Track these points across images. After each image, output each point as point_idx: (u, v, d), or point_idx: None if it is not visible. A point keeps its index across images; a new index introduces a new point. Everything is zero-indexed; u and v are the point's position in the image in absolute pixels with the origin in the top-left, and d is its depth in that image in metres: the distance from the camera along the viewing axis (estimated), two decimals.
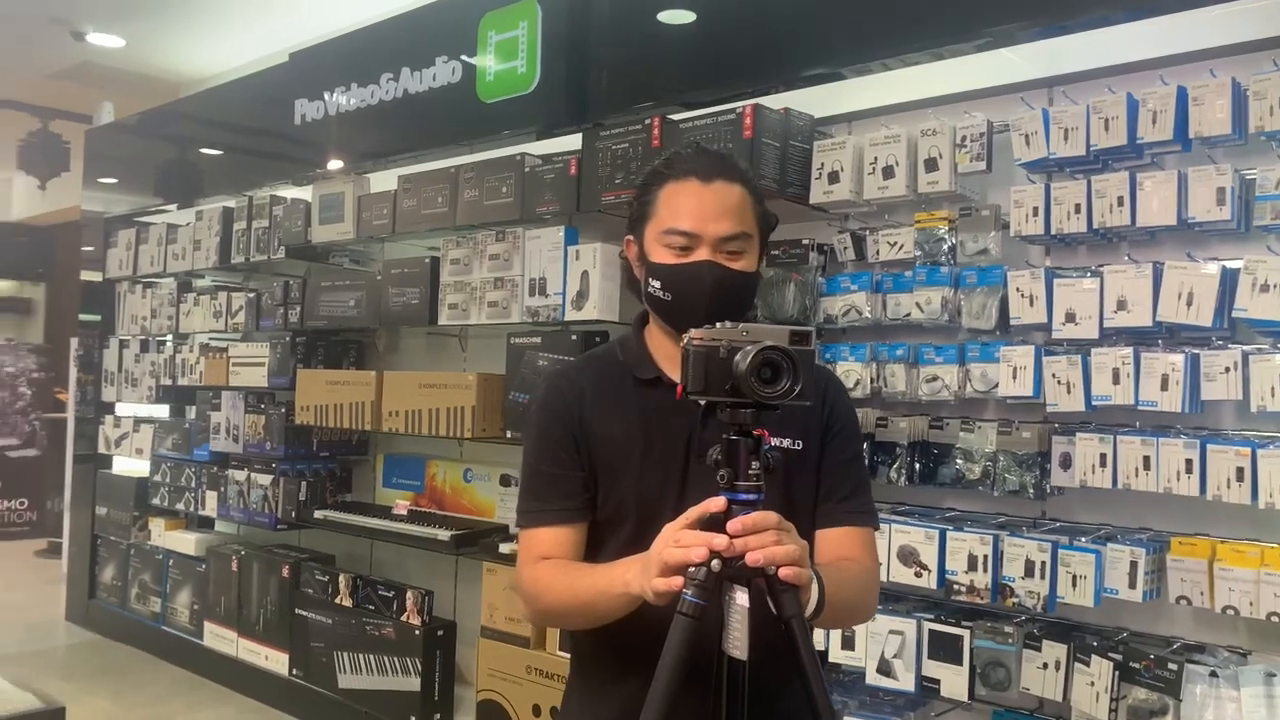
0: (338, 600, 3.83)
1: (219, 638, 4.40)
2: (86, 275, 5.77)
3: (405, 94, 3.74)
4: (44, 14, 5.06)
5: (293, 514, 4.12)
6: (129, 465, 5.24)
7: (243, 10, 5.00)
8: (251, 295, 4.44)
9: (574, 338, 3.12)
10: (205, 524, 4.90)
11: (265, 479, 4.25)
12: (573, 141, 3.24)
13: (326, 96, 4.05)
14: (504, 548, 3.34)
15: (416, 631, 3.54)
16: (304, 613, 3.95)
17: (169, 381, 4.93)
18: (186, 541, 4.69)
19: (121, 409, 5.36)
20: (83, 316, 5.76)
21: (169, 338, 5.02)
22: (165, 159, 5.26)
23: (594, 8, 3.22)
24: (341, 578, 3.84)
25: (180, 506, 4.77)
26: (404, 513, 3.82)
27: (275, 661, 4.09)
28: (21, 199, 9.18)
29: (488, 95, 3.45)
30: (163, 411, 5.16)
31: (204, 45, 5.64)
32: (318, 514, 4.01)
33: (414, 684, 3.53)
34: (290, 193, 4.41)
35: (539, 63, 3.29)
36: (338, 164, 4.05)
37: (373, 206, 3.88)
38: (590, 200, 3.12)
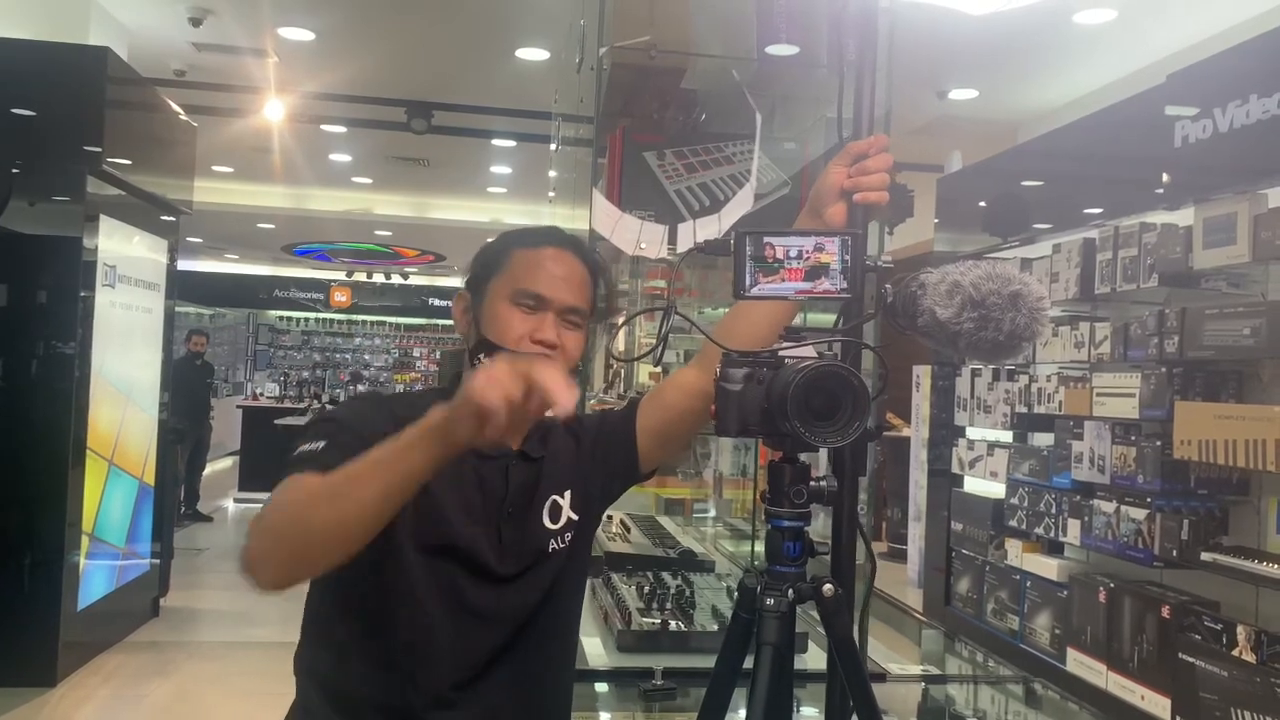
0: (1235, 653, 3.55)
1: (1084, 666, 4.42)
2: None
3: None
4: (916, 76, 5.73)
5: (1173, 552, 3.95)
6: (982, 486, 5.60)
7: (1080, 48, 5.03)
8: (1119, 326, 4.39)
9: None
10: (1055, 549, 4.98)
11: (1139, 513, 4.15)
12: None
13: (1217, 114, 3.83)
14: None
15: None
16: (1190, 659, 3.74)
17: (1024, 409, 5.14)
18: (1046, 566, 4.83)
19: (973, 433, 5.76)
20: None
21: (1030, 367, 5.23)
22: (1015, 197, 5.52)
23: None
24: (1240, 630, 3.56)
25: (1039, 531, 4.92)
26: None
27: (1153, 704, 3.95)
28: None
29: None
30: (1007, 436, 5.40)
31: (1048, 85, 5.82)
32: (1205, 556, 3.77)
33: None
34: (1160, 218, 4.28)
35: None
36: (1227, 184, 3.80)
37: (1275, 226, 3.54)
38: None
